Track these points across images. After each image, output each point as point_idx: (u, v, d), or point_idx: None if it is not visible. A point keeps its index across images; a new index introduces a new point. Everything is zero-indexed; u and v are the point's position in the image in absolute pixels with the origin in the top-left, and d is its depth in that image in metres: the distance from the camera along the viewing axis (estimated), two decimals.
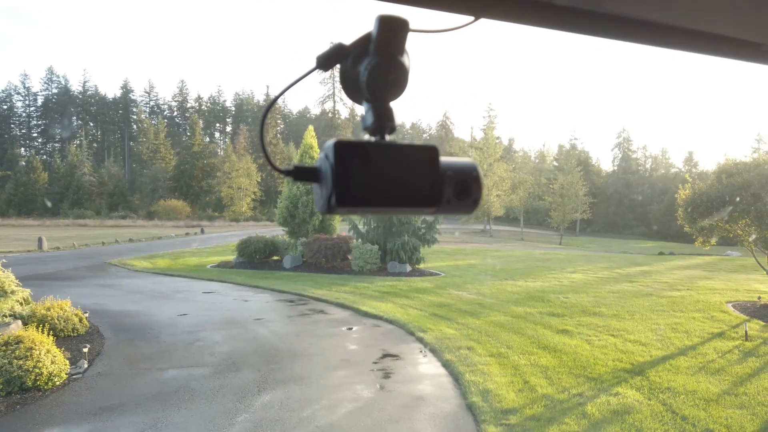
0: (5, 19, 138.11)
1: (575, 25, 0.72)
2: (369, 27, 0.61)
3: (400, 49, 0.61)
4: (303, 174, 0.60)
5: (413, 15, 0.61)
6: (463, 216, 63.06)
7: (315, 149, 24.28)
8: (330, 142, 0.57)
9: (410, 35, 0.61)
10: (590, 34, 0.75)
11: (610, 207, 79.21)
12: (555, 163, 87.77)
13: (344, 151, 0.56)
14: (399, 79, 0.61)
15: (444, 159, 0.61)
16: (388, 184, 0.58)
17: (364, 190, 0.56)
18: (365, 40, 0.61)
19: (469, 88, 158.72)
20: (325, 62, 0.62)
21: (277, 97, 0.64)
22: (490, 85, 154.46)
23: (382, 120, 0.61)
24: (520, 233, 62.19)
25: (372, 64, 0.60)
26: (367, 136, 0.62)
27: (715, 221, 14.10)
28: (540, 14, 0.70)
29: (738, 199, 13.07)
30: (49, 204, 73.29)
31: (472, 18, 0.66)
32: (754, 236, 13.86)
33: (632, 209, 79.53)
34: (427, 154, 0.60)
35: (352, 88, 0.63)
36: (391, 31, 0.59)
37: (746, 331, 10.49)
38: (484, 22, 0.67)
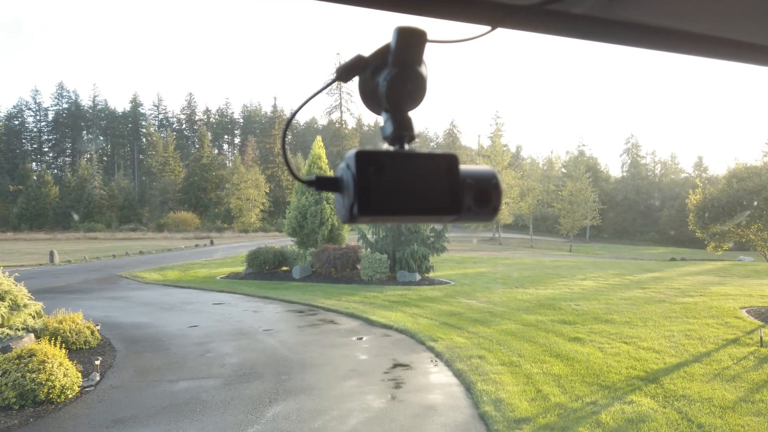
0: (14, 36, 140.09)
1: (590, 33, 0.72)
2: (383, 38, 0.62)
3: (419, 60, 0.62)
4: (325, 184, 0.60)
5: (430, 25, 0.62)
6: (473, 224, 63.12)
7: (323, 159, 24.37)
8: (351, 152, 0.58)
9: (428, 46, 0.62)
10: (606, 42, 0.75)
11: (620, 213, 78.74)
12: (563, 170, 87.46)
13: (366, 160, 0.57)
14: (417, 89, 0.62)
15: (463, 167, 0.62)
16: (409, 192, 0.58)
17: (385, 198, 0.57)
18: (384, 51, 0.62)
19: (475, 96, 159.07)
20: (345, 73, 0.63)
21: (299, 109, 0.65)
22: (497, 93, 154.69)
23: (402, 129, 0.62)
24: (530, 241, 61.91)
25: (391, 75, 0.61)
26: (386, 146, 0.63)
27: (729, 226, 13.98)
28: (556, 23, 0.70)
29: (755, 203, 12.96)
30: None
31: (488, 28, 0.67)
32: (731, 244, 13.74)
33: (642, 215, 79.02)
34: (447, 162, 0.61)
35: (370, 98, 0.64)
36: (410, 42, 0.60)
37: (761, 337, 10.36)
38: (501, 32, 0.67)
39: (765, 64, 0.83)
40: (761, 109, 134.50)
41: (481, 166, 0.63)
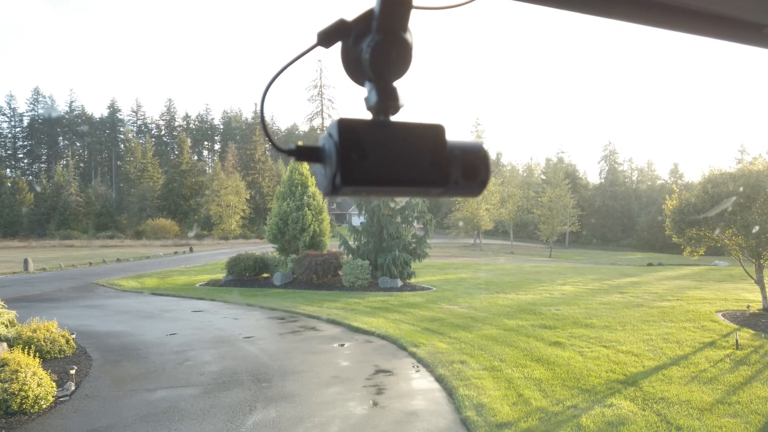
0: None
1: (585, 5, 0.71)
2: (367, 3, 0.60)
3: (404, 26, 0.60)
4: (305, 153, 0.58)
5: None
6: (454, 230, 62.34)
7: (305, 165, 24.25)
8: (334, 121, 0.55)
9: (413, 12, 0.60)
10: (599, 15, 0.73)
11: (599, 219, 79.76)
12: (543, 177, 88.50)
13: (349, 129, 0.55)
14: (402, 56, 0.60)
15: (451, 139, 0.60)
16: (394, 163, 0.56)
17: (369, 168, 0.55)
18: (367, 16, 0.59)
19: (455, 103, 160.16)
20: (326, 38, 0.60)
21: (277, 74, 0.62)
22: (477, 100, 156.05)
23: (386, 100, 0.60)
24: (510, 246, 62.36)
25: (375, 42, 0.59)
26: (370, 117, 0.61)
27: (703, 231, 14.22)
28: None
29: (729, 208, 13.19)
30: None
31: None
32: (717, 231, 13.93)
33: (620, 221, 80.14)
34: (434, 133, 0.59)
35: (353, 67, 0.61)
36: (395, 7, 0.58)
37: (737, 340, 10.54)
38: (491, 3, 0.65)
39: (748, 42, 0.83)
40: (735, 116, 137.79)
41: (469, 139, 0.61)
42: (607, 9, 0.72)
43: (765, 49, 0.85)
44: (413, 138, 0.58)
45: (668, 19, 0.75)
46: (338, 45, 0.61)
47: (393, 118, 0.60)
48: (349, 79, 0.62)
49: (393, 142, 0.57)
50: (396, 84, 0.61)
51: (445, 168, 0.59)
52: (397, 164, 0.56)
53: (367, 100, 0.61)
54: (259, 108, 0.63)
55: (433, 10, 0.63)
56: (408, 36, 0.60)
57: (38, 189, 79.51)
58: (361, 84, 0.62)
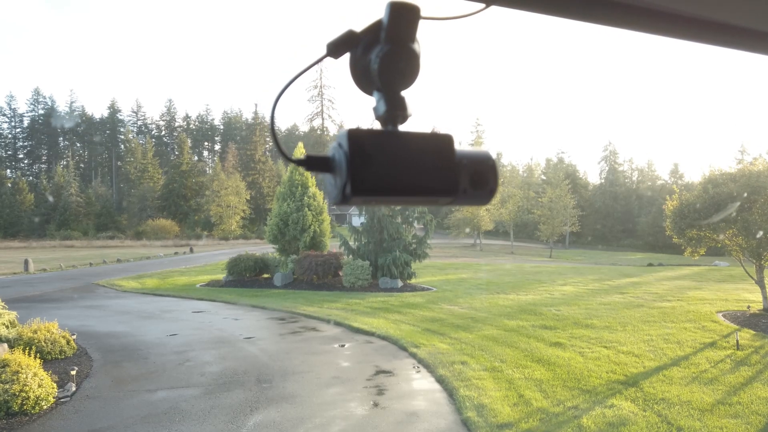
0: None
1: (589, 14, 0.71)
2: (375, 14, 0.60)
3: (412, 37, 0.60)
4: (315, 163, 0.59)
5: (423, 1, 0.60)
6: (454, 231, 62.36)
7: None
8: (343, 131, 0.56)
9: (421, 23, 0.60)
10: (603, 23, 0.73)
11: (599, 219, 79.76)
12: (543, 177, 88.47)
13: (359, 139, 0.56)
14: (411, 67, 0.61)
15: (459, 148, 0.61)
16: (403, 172, 0.57)
17: (379, 178, 0.56)
18: (376, 27, 0.60)
19: (456, 103, 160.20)
20: (335, 49, 0.61)
21: (287, 86, 0.63)
22: (478, 100, 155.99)
23: (395, 109, 0.60)
24: (511, 247, 62.37)
25: (383, 52, 0.59)
26: (379, 126, 0.61)
27: (703, 231, 14.22)
28: (551, 1, 0.68)
29: (732, 214, 13.19)
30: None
31: (483, 5, 0.65)
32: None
33: (620, 221, 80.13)
34: (442, 142, 0.59)
35: (362, 77, 0.62)
36: (402, 18, 0.59)
37: (737, 341, 10.54)
38: (495, 10, 0.66)
39: (763, 51, 0.83)
40: (735, 116, 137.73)
41: (477, 149, 0.62)
42: (615, 19, 0.72)
43: None
44: (422, 147, 0.58)
45: (676, 28, 0.75)
46: (346, 55, 0.62)
47: (401, 128, 0.61)
48: (358, 89, 0.62)
49: (402, 152, 0.57)
50: (404, 93, 0.62)
51: (454, 177, 0.59)
52: (406, 174, 0.57)
53: (375, 110, 0.61)
54: (269, 120, 0.64)
55: (440, 20, 0.63)
56: (416, 46, 0.61)
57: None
58: (370, 94, 0.62)
